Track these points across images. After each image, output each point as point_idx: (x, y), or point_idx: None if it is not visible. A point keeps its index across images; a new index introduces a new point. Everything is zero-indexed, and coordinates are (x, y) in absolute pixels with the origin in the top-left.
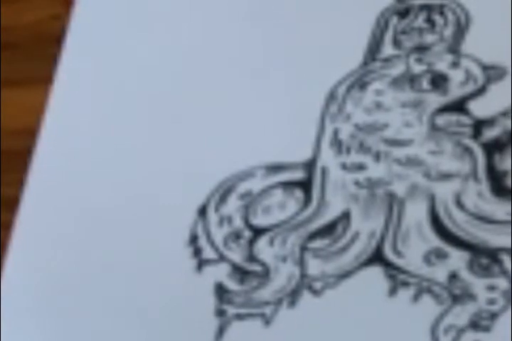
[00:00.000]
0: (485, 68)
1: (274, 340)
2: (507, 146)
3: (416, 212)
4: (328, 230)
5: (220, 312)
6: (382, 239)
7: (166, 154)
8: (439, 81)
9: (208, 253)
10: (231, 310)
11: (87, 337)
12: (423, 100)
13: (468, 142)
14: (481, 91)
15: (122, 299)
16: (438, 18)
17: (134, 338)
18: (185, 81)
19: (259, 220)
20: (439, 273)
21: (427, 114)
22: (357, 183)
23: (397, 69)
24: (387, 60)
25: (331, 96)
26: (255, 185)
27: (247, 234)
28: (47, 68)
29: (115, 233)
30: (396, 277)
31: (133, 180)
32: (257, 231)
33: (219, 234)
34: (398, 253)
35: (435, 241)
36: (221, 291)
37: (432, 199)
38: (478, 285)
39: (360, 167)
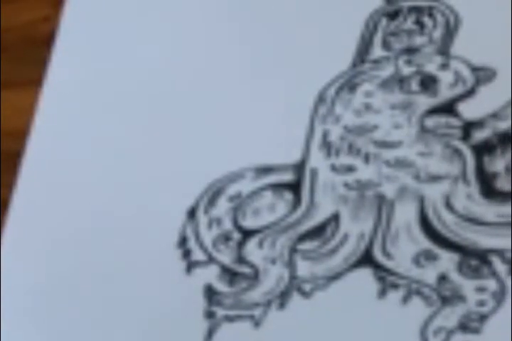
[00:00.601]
0: (474, 70)
1: None
2: (496, 148)
3: (405, 214)
4: (318, 232)
5: (210, 314)
6: (372, 240)
7: (156, 156)
8: (428, 83)
9: (198, 255)
10: (220, 312)
11: (77, 339)
12: (412, 102)
13: (458, 144)
14: (470, 92)
15: (112, 300)
16: (427, 20)
17: (124, 339)
18: (175, 83)
19: (249, 222)
20: (429, 275)
21: (416, 115)
22: (346, 185)
23: (387, 71)
24: (376, 61)
25: (321, 98)
26: (245, 186)
27: (237, 236)
28: (37, 70)
29: (105, 235)
30: (385, 279)
31: (122, 182)
32: (247, 233)
33: (208, 236)
34: (387, 255)
35: (424, 243)
36: (210, 293)
37: (421, 201)
38: (467, 286)
39: (350, 169)
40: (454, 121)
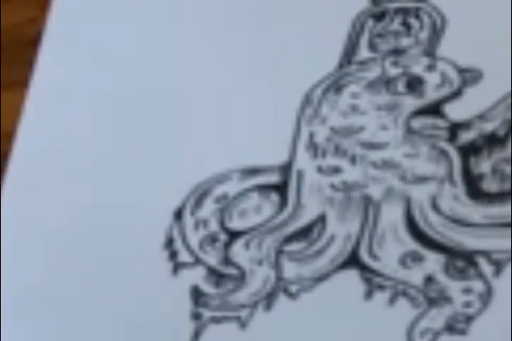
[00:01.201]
0: (461, 71)
1: None
2: (482, 149)
3: (392, 215)
4: (304, 233)
5: (196, 316)
6: (358, 242)
7: (142, 157)
8: (414, 84)
9: (184, 256)
10: (207, 313)
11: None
12: (399, 103)
13: (444, 145)
14: (456, 94)
15: (98, 301)
16: (414, 22)
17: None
18: (161, 85)
19: (235, 223)
20: (415, 276)
21: (402, 117)
22: (333, 186)
23: (373, 73)
24: (363, 63)
25: (307, 100)
26: (231, 188)
27: (223, 237)
28: (24, 71)
29: (91, 236)
30: (372, 280)
31: (109, 183)
32: (233, 235)
33: (195, 238)
34: (374, 256)
35: (411, 244)
36: (197, 294)
37: (407, 203)
38: (453, 288)
39: (336, 170)
40: (440, 123)
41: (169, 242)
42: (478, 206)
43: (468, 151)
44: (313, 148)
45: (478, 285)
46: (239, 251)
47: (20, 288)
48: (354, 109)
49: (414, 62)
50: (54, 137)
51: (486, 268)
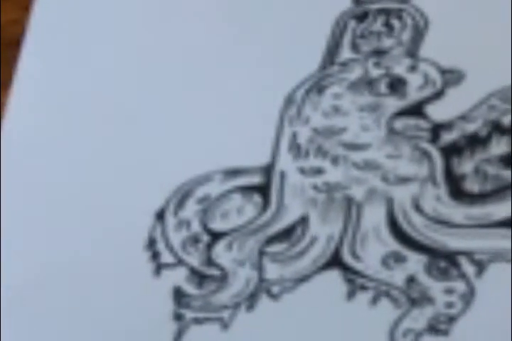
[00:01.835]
0: (443, 72)
1: None
2: (465, 150)
3: (374, 216)
4: (287, 234)
5: (178, 317)
6: (341, 243)
7: (124, 158)
8: (397, 85)
9: (166, 257)
10: (189, 314)
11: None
12: (381, 104)
13: (427, 146)
14: (439, 95)
15: (79, 302)
16: (396, 22)
17: None
18: (142, 84)
19: (218, 224)
20: (398, 277)
21: (385, 117)
22: (315, 187)
23: (355, 73)
24: (345, 63)
25: (289, 100)
26: (213, 189)
27: (205, 238)
28: (7, 73)
29: (72, 237)
30: (354, 281)
31: (90, 183)
32: (215, 236)
33: (177, 238)
34: (356, 257)
35: (393, 245)
36: (179, 295)
37: (390, 203)
38: (436, 288)
39: (319, 171)
40: (422, 123)
41: (151, 243)
42: (461, 206)
43: (451, 152)
44: (296, 149)
45: (460, 286)
46: (221, 252)
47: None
48: (336, 109)
49: (396, 63)
50: (36, 137)
51: (469, 268)
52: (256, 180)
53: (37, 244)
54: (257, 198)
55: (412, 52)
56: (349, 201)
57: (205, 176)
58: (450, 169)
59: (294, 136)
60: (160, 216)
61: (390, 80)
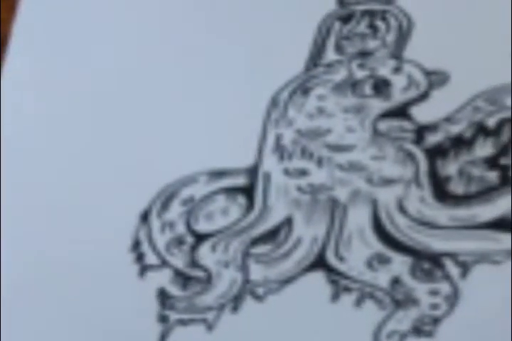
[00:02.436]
0: (427, 74)
1: None
2: (449, 152)
3: (358, 218)
4: (271, 236)
5: (163, 318)
6: (325, 244)
7: (109, 159)
8: (381, 86)
9: (151, 258)
10: (173, 316)
11: None
12: (365, 105)
13: (411, 147)
14: (423, 96)
15: (64, 304)
16: (380, 24)
17: None
18: (128, 85)
19: (202, 226)
20: (382, 279)
21: (369, 119)
22: (299, 189)
23: (340, 75)
24: (329, 65)
25: (274, 102)
26: (198, 190)
27: (190, 239)
28: None
29: (56, 238)
30: (338, 282)
31: (75, 184)
32: (200, 237)
33: (161, 240)
34: (341, 258)
35: (377, 247)
36: (163, 297)
37: (374, 205)
38: (420, 290)
39: (303, 172)
40: (407, 125)
41: (136, 244)
42: (445, 208)
43: (435, 154)
44: (280, 150)
45: (444, 288)
46: (206, 254)
47: None
48: (321, 111)
49: (380, 64)
50: (20, 138)
51: (453, 270)
52: (240, 181)
53: (22, 245)
54: (241, 199)
55: (397, 54)
56: (333, 202)
57: (189, 177)
58: (434, 171)
59: (279, 137)
60: (144, 217)
61: (375, 82)
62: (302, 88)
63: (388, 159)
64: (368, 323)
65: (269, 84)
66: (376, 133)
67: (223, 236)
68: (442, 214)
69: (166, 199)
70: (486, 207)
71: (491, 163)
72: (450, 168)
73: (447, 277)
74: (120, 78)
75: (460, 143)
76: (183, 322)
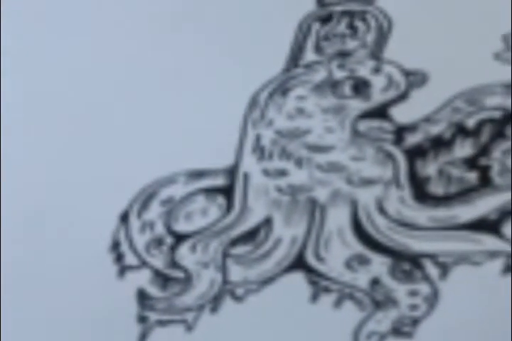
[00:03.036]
0: (407, 74)
1: None
2: (428, 152)
3: (338, 218)
4: (250, 236)
5: (142, 319)
6: (305, 245)
7: (87, 160)
8: (361, 87)
9: (130, 259)
10: (153, 317)
11: None
12: (345, 106)
13: (391, 148)
14: (402, 97)
15: (42, 304)
16: (360, 24)
17: None
18: (106, 86)
19: (181, 226)
20: (361, 279)
21: (349, 119)
22: (279, 189)
23: (319, 76)
24: (309, 66)
25: (253, 103)
26: (177, 191)
27: (169, 240)
28: None
29: (36, 238)
30: (318, 283)
31: (54, 185)
32: (179, 238)
33: (141, 241)
34: (320, 259)
35: (357, 247)
36: (143, 297)
37: (354, 206)
38: (400, 291)
39: (283, 173)
40: (386, 126)
41: (115, 245)
42: (425, 209)
43: (415, 154)
44: (260, 151)
45: (424, 288)
46: (185, 254)
47: None
48: (300, 112)
49: (360, 65)
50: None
51: (432, 271)
52: (220, 182)
53: (3, 245)
54: (220, 200)
55: (376, 55)
56: (313, 203)
57: (169, 178)
58: (414, 171)
59: (258, 138)
60: (124, 218)
61: (354, 82)
62: (282, 88)
63: (368, 160)
64: (348, 324)
65: (249, 85)
66: (356, 133)
67: (203, 237)
68: (422, 214)
69: (146, 199)
70: (466, 207)
71: (471, 163)
72: (430, 168)
73: (427, 278)
74: (97, 79)
75: (439, 143)
76: (162, 323)
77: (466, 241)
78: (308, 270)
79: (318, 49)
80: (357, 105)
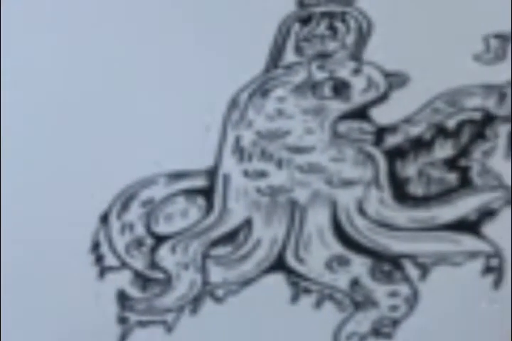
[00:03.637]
0: (387, 75)
1: None
2: (409, 153)
3: (318, 219)
4: (230, 238)
5: (122, 320)
6: (284, 246)
7: (68, 160)
8: (340, 88)
9: (110, 260)
10: (133, 318)
11: None
12: (325, 107)
13: (371, 149)
14: (383, 98)
15: (22, 306)
16: (340, 26)
17: None
18: (87, 88)
19: (161, 228)
20: (341, 280)
21: (329, 121)
22: (259, 191)
23: (299, 77)
24: (289, 67)
25: (233, 104)
26: (157, 192)
27: (149, 241)
28: None
29: (16, 239)
30: (298, 284)
31: (34, 186)
32: (159, 239)
33: (121, 242)
34: (300, 260)
35: (337, 248)
36: (123, 298)
37: (333, 207)
38: (380, 291)
39: (262, 174)
40: (366, 127)
41: (95, 246)
42: (404, 210)
43: (395, 155)
44: (240, 152)
45: (404, 289)
46: (165, 256)
47: None
48: (280, 113)
49: (340, 66)
50: None
51: (412, 271)
52: (200, 183)
53: None
54: (200, 201)
55: (356, 56)
56: (293, 204)
57: (149, 179)
58: (394, 172)
59: (238, 139)
60: (104, 219)
61: (334, 83)
62: (261, 90)
63: (348, 161)
64: (328, 325)
65: (229, 86)
66: (336, 134)
67: (183, 238)
68: (402, 215)
69: (126, 200)
70: (446, 208)
71: (451, 164)
72: (409, 169)
73: (407, 279)
74: (77, 80)
75: (419, 144)
76: (142, 324)
77: (445, 242)
78: (289, 271)
79: (298, 50)
80: (337, 106)
